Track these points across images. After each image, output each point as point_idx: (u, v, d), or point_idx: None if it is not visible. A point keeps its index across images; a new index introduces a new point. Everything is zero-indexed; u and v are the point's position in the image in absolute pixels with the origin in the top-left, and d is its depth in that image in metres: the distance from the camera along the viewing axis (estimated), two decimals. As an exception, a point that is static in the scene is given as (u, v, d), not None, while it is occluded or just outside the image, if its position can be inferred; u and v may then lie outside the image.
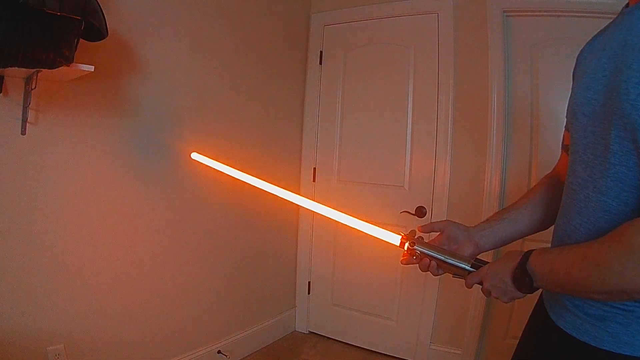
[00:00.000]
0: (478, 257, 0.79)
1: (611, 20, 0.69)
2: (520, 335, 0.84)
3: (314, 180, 2.55)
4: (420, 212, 2.19)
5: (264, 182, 1.03)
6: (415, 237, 0.79)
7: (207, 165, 1.37)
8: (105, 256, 1.59)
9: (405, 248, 0.77)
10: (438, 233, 0.86)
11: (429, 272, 0.80)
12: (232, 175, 1.15)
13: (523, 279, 0.66)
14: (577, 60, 0.79)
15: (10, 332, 1.34)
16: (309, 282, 2.62)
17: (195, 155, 1.41)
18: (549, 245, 0.76)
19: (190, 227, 1.92)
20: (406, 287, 2.29)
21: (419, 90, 2.22)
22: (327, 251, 2.52)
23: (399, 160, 2.27)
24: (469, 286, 0.76)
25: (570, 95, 0.74)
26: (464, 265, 0.73)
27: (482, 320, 2.09)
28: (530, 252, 0.67)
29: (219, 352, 2.08)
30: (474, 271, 0.74)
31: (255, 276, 2.33)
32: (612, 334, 0.59)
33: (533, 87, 2.00)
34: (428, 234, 0.84)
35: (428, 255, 0.76)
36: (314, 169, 2.55)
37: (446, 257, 0.75)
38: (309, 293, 2.62)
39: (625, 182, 0.58)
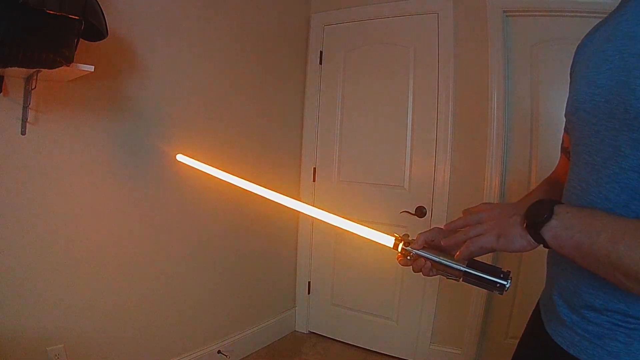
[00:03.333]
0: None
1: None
2: (518, 340, 0.81)
3: (314, 180, 2.55)
4: (420, 212, 2.19)
5: (255, 185, 1.01)
6: (409, 238, 0.77)
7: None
8: (105, 256, 1.59)
9: (399, 249, 0.76)
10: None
11: (416, 272, 0.77)
12: (221, 177, 1.12)
13: (538, 213, 0.55)
14: (575, 56, 0.74)
15: (10, 332, 1.34)
16: (309, 282, 2.62)
17: (180, 157, 1.37)
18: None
19: (190, 227, 1.92)
20: (406, 287, 2.29)
21: (419, 90, 2.22)
22: (327, 251, 2.52)
23: (399, 160, 2.27)
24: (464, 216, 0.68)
25: (570, 93, 0.69)
26: (458, 267, 0.70)
27: (482, 320, 2.09)
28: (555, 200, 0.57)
29: (219, 352, 2.08)
30: (469, 271, 0.69)
31: (255, 276, 2.33)
32: (612, 352, 0.55)
33: (533, 86, 2.00)
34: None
35: (422, 256, 0.75)
36: (314, 169, 2.55)
37: (440, 258, 0.73)
38: (309, 293, 2.62)
39: (636, 189, 0.53)
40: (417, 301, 2.26)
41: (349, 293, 2.47)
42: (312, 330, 2.63)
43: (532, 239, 0.57)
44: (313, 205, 0.90)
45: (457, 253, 0.66)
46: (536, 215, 0.55)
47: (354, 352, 2.41)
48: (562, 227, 0.53)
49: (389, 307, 2.35)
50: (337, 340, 2.52)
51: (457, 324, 2.16)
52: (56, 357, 1.44)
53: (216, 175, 1.13)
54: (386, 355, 2.36)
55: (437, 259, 0.73)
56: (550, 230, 0.54)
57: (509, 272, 0.66)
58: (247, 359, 2.26)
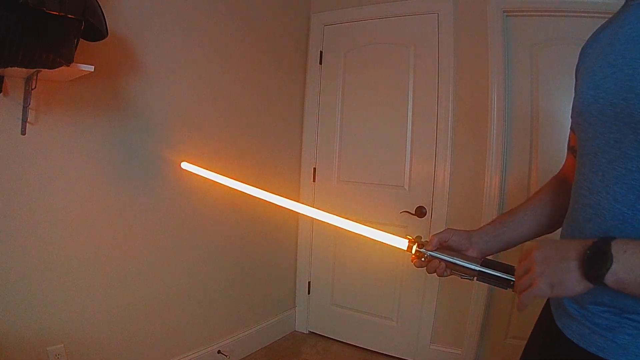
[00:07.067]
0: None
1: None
2: (526, 339, 0.82)
3: (314, 180, 2.54)
4: (420, 212, 2.19)
5: (260, 190, 1.01)
6: (422, 240, 0.79)
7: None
8: (105, 256, 1.59)
9: (413, 251, 0.78)
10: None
11: (431, 273, 0.78)
12: (226, 184, 1.11)
13: (599, 260, 0.51)
14: (580, 56, 0.75)
15: (10, 332, 1.34)
16: (309, 282, 2.62)
17: (185, 165, 1.34)
18: None
19: (190, 228, 1.92)
20: (406, 287, 2.29)
21: (419, 90, 2.22)
22: (327, 251, 2.52)
23: (399, 160, 2.27)
24: (517, 278, 0.62)
25: (575, 93, 0.70)
26: (472, 266, 0.73)
27: (482, 320, 2.09)
28: (608, 236, 0.53)
29: (219, 352, 2.08)
30: (483, 270, 0.70)
31: (255, 276, 2.33)
32: (620, 345, 0.57)
33: (533, 87, 2.00)
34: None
35: (436, 257, 0.76)
36: (314, 169, 2.55)
37: (454, 258, 0.75)
38: (309, 293, 2.62)
39: None
40: (417, 301, 2.26)
41: (349, 293, 2.47)
42: (312, 330, 2.63)
43: (590, 284, 0.52)
44: (313, 206, 0.90)
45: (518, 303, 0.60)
46: (598, 266, 0.51)
47: (354, 352, 2.41)
48: (624, 270, 0.50)
49: (389, 307, 2.35)
50: (337, 340, 2.52)
51: (457, 324, 2.16)
52: (56, 357, 1.44)
53: (220, 182, 1.12)
54: (386, 355, 2.36)
55: (451, 260, 0.75)
56: (612, 276, 0.50)
57: None
58: (247, 359, 2.26)
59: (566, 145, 0.85)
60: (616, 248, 0.50)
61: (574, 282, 0.53)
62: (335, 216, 0.86)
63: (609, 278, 0.50)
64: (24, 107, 1.28)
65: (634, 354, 0.56)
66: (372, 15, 2.33)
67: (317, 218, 0.90)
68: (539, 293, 0.55)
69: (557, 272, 0.54)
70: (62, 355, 1.46)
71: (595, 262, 0.51)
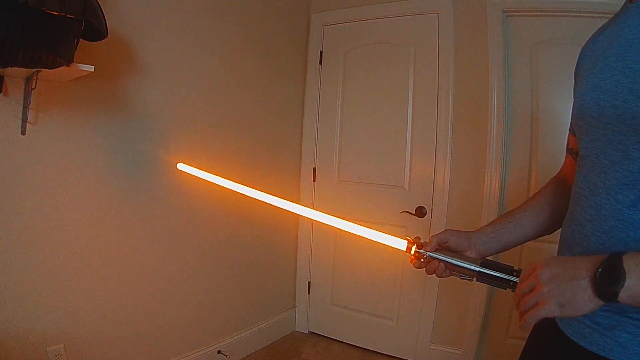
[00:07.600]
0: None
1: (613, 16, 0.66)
2: (525, 339, 0.81)
3: (314, 180, 2.54)
4: (420, 212, 2.19)
5: (256, 190, 1.00)
6: (421, 241, 0.79)
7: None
8: (105, 256, 1.59)
9: (412, 252, 0.78)
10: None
11: (430, 273, 0.78)
12: (221, 185, 1.11)
13: (612, 277, 0.49)
14: (579, 58, 0.75)
15: (10, 332, 1.34)
16: (309, 282, 2.62)
17: (181, 166, 1.33)
18: (555, 252, 0.73)
19: (190, 228, 1.92)
20: (406, 287, 2.29)
21: (419, 90, 2.22)
22: (327, 251, 2.52)
23: (399, 160, 2.27)
24: (519, 296, 0.59)
25: (575, 96, 0.70)
26: (472, 267, 0.73)
27: (482, 320, 2.09)
28: (618, 251, 0.51)
29: (219, 352, 2.08)
30: (483, 271, 0.70)
31: (255, 276, 2.33)
32: (621, 343, 0.57)
33: (533, 87, 2.00)
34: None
35: (436, 258, 0.76)
36: (314, 169, 2.55)
37: (454, 259, 0.75)
38: (309, 293, 2.62)
39: None
40: (417, 301, 2.26)
41: (349, 293, 2.47)
42: (312, 330, 2.63)
43: (601, 302, 0.51)
44: (313, 206, 0.90)
45: (520, 323, 0.57)
46: (612, 283, 0.50)
47: (354, 352, 2.41)
48: (638, 284, 0.49)
49: (389, 307, 2.35)
50: (337, 340, 2.52)
51: (457, 324, 2.16)
52: (56, 357, 1.44)
53: (218, 183, 1.12)
54: (386, 355, 2.36)
55: (450, 261, 0.75)
56: (626, 292, 0.49)
57: (521, 270, 0.67)
58: (247, 359, 2.26)
59: (565, 146, 0.86)
60: (628, 263, 0.49)
61: (585, 301, 0.51)
62: (334, 217, 0.86)
63: (623, 294, 0.49)
64: (24, 107, 1.28)
65: (634, 352, 0.56)
66: (372, 15, 2.34)
67: (315, 219, 0.90)
68: (547, 314, 0.54)
69: (566, 291, 0.53)
70: (62, 355, 1.46)
71: (608, 279, 0.50)
